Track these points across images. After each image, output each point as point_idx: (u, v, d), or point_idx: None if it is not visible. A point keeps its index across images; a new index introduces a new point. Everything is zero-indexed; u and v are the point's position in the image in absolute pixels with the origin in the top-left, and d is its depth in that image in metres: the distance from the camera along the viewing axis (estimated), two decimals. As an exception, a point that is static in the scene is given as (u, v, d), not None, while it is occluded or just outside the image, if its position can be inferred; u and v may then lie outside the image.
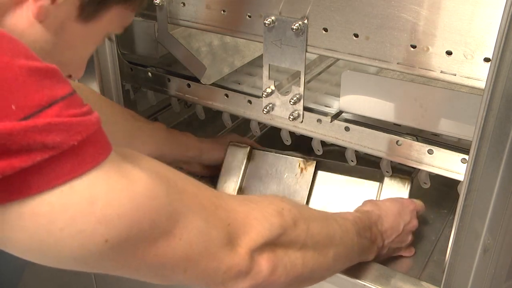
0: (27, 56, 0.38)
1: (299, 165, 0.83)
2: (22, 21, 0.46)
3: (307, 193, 0.81)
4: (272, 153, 0.85)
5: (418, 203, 0.75)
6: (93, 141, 0.40)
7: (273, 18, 0.65)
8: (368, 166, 0.97)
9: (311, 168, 0.82)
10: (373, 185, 0.80)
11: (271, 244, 0.51)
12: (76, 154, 0.38)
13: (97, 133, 0.40)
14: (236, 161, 0.85)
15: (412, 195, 0.86)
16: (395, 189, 0.77)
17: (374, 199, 0.76)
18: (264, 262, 0.50)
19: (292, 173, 0.83)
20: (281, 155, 0.84)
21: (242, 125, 1.02)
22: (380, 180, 0.79)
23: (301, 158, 0.83)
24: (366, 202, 0.72)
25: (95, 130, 0.40)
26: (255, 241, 0.49)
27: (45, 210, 0.37)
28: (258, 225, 0.50)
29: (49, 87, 0.38)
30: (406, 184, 0.77)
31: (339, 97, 0.71)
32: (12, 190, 0.36)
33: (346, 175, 0.82)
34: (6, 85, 0.36)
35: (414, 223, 0.71)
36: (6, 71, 0.37)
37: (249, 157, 0.85)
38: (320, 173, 0.83)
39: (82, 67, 0.57)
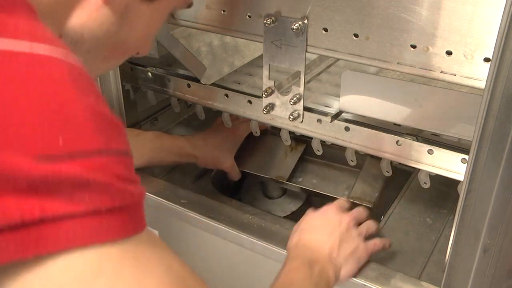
0: (97, 99, 0.36)
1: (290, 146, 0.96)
2: (90, 5, 0.45)
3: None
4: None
5: (339, 201, 0.74)
6: (136, 211, 0.36)
7: (273, 18, 0.65)
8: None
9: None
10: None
11: None
12: (101, 220, 0.34)
13: (136, 208, 0.37)
14: None
15: (412, 195, 0.86)
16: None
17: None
18: None
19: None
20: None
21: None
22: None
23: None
24: (291, 237, 0.70)
25: (136, 204, 0.36)
26: None
27: (49, 274, 0.33)
28: None
29: (106, 136, 0.35)
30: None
31: (339, 97, 0.71)
32: (24, 244, 0.32)
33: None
34: (62, 116, 0.33)
35: (347, 219, 0.69)
36: (70, 103, 0.34)
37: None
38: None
39: (149, 44, 0.56)
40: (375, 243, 0.70)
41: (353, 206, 0.84)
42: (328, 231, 0.68)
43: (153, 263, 0.37)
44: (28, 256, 0.32)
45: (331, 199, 0.86)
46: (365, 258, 0.68)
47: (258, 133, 0.87)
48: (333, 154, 0.95)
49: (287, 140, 0.83)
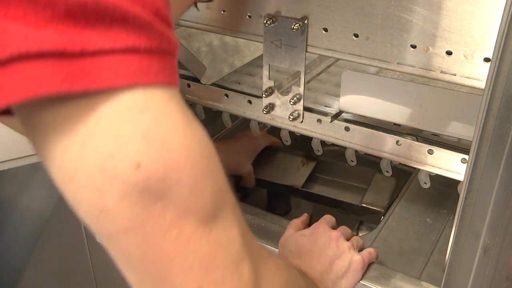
0: None
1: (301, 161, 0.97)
2: None
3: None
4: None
5: (326, 218, 0.73)
6: (171, 62, 0.35)
7: (273, 18, 0.65)
8: (368, 166, 0.98)
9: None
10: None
11: None
12: (142, 61, 0.33)
13: (173, 59, 0.35)
14: None
15: (412, 195, 0.86)
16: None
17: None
18: None
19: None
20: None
21: (242, 125, 1.02)
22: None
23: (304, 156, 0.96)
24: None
25: (172, 53, 0.35)
26: None
27: (96, 109, 0.32)
28: (278, 274, 0.45)
29: None
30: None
31: (339, 97, 0.71)
32: (70, 75, 0.31)
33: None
34: None
35: (335, 235, 0.68)
36: None
37: None
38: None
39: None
40: (370, 252, 0.69)
41: (364, 211, 0.86)
42: (317, 253, 0.66)
43: (193, 120, 0.36)
44: (75, 89, 0.31)
45: (346, 207, 0.88)
46: (362, 270, 0.67)
47: (258, 133, 0.87)
48: (343, 171, 0.96)
49: (287, 140, 0.83)
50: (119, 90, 0.32)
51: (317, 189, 0.95)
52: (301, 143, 0.95)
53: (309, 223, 0.74)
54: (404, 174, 0.90)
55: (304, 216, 0.74)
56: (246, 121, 0.88)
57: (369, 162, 0.97)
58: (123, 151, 0.32)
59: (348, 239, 0.70)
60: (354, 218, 0.88)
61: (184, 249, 0.35)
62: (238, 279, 0.38)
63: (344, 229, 0.72)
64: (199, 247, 0.36)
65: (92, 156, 0.32)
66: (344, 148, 0.75)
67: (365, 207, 0.85)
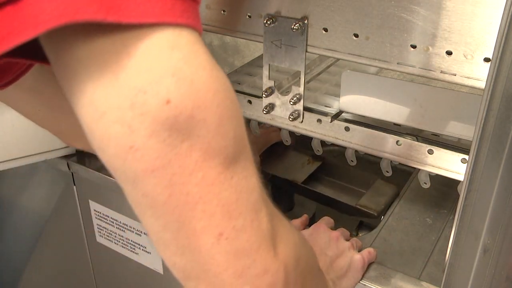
0: None
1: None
2: None
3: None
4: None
5: (325, 219, 0.73)
6: (194, 7, 0.36)
7: (273, 18, 0.65)
8: (368, 166, 0.98)
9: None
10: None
11: (300, 267, 0.44)
12: (176, 3, 0.34)
13: (196, 6, 0.36)
14: None
15: (412, 195, 0.87)
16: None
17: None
18: None
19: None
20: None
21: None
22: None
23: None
24: None
25: (198, 1, 0.36)
26: (292, 256, 0.42)
27: (127, 42, 0.33)
28: (293, 233, 0.45)
29: None
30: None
31: (339, 97, 0.71)
32: (103, 6, 0.31)
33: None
34: None
35: (335, 235, 0.68)
36: None
37: None
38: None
39: None
40: (369, 251, 0.69)
41: (358, 213, 0.86)
42: (317, 253, 0.64)
43: (217, 64, 0.37)
44: (109, 20, 0.31)
45: (341, 207, 0.89)
46: (362, 269, 0.67)
47: (258, 133, 0.87)
48: (347, 173, 0.97)
49: (287, 140, 0.83)
50: (149, 28, 0.33)
51: (318, 188, 0.95)
52: (301, 143, 0.95)
53: (310, 223, 0.74)
54: (404, 174, 0.91)
55: (304, 217, 0.74)
56: (246, 121, 0.88)
57: (369, 162, 0.98)
58: (154, 86, 0.33)
59: (347, 240, 0.70)
60: (354, 219, 0.88)
61: (208, 193, 0.36)
62: (257, 228, 0.39)
63: (342, 230, 0.72)
64: (222, 192, 0.37)
65: (124, 91, 0.33)
66: (344, 148, 0.75)
67: (359, 208, 0.85)
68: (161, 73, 0.33)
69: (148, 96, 0.33)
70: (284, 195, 0.99)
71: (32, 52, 0.37)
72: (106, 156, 0.35)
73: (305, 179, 0.94)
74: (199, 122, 0.35)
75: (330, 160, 0.97)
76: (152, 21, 0.33)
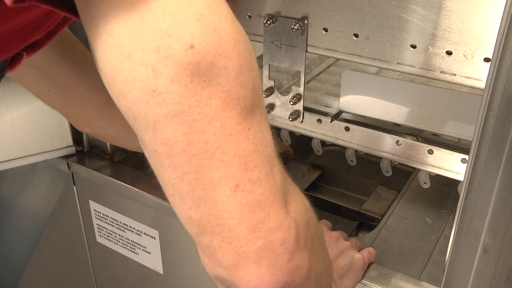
0: None
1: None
2: None
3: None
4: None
5: (323, 221, 0.74)
6: None
7: (273, 18, 0.65)
8: (368, 166, 0.98)
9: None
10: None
11: (309, 232, 0.44)
12: None
13: None
14: None
15: (412, 195, 0.87)
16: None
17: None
18: (306, 256, 0.42)
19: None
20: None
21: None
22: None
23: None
24: None
25: None
26: (302, 217, 0.42)
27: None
28: (302, 197, 0.45)
29: None
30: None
31: (339, 97, 0.71)
32: None
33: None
34: None
35: (335, 235, 0.68)
36: None
37: None
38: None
39: None
40: (369, 251, 0.69)
41: (363, 218, 0.86)
42: None
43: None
44: None
45: (345, 212, 0.89)
46: (363, 269, 0.67)
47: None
48: (347, 182, 0.97)
49: (287, 140, 0.83)
50: None
51: (319, 196, 0.95)
52: (302, 143, 0.95)
53: None
54: (404, 174, 0.91)
55: None
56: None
57: (369, 162, 0.98)
58: (179, 30, 0.34)
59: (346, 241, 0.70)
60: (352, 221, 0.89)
61: (225, 142, 0.37)
62: (271, 182, 0.39)
63: (341, 232, 0.72)
64: (239, 142, 0.37)
65: (150, 33, 0.34)
66: (344, 148, 0.75)
67: (363, 213, 0.86)
68: (186, 18, 0.34)
69: (173, 40, 0.34)
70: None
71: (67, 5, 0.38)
72: (129, 100, 0.36)
73: (305, 188, 0.94)
74: (220, 69, 0.35)
75: (330, 169, 0.97)
76: None
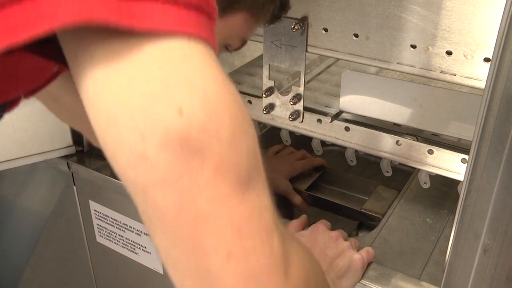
0: None
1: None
2: None
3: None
4: None
5: (322, 221, 0.73)
6: (209, 23, 0.36)
7: (273, 18, 0.65)
8: (368, 166, 0.98)
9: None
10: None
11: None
12: (189, 14, 0.34)
13: (212, 21, 0.36)
14: None
15: (412, 195, 0.87)
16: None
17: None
18: None
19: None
20: None
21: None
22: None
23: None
24: None
25: (211, 14, 0.36)
26: (302, 278, 0.41)
27: (142, 48, 0.33)
28: (303, 255, 0.44)
29: None
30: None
31: (339, 97, 0.71)
32: (118, 9, 0.32)
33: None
34: None
35: (334, 235, 0.68)
36: None
37: None
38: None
39: None
40: (368, 251, 0.69)
41: (364, 217, 0.86)
42: (316, 253, 0.66)
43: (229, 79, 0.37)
44: (123, 23, 0.32)
45: (346, 212, 0.89)
46: (362, 269, 0.67)
47: (258, 133, 0.87)
48: (347, 182, 0.97)
49: (287, 140, 0.83)
50: (165, 35, 0.33)
51: (320, 195, 0.95)
52: (302, 143, 0.95)
53: (307, 226, 0.74)
54: (404, 174, 0.91)
55: (303, 218, 0.74)
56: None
57: (369, 162, 0.98)
58: (167, 94, 0.33)
59: (345, 241, 0.70)
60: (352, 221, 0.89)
61: (219, 210, 0.35)
62: (268, 251, 0.38)
63: (341, 231, 0.72)
64: (233, 210, 0.36)
65: (137, 97, 0.33)
66: (344, 148, 0.75)
67: (364, 212, 0.86)
68: (174, 82, 0.33)
69: (160, 104, 0.33)
70: (285, 204, 0.98)
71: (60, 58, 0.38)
72: (118, 164, 0.35)
73: (306, 188, 0.94)
74: (212, 134, 0.34)
75: (331, 169, 0.97)
76: (167, 29, 0.33)
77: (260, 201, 0.38)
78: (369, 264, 0.69)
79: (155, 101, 0.33)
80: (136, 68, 0.33)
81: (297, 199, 0.92)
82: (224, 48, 0.59)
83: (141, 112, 0.33)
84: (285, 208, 0.98)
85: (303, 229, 0.72)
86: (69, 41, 0.35)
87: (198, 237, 0.36)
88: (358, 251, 0.69)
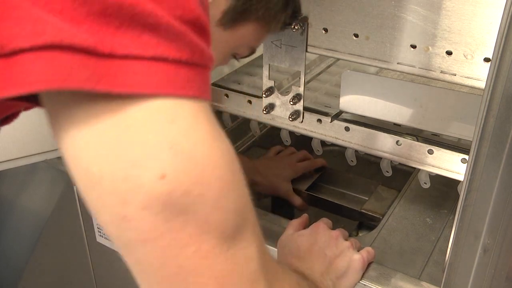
0: None
1: None
2: None
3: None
4: None
5: (323, 220, 0.73)
6: (203, 75, 0.34)
7: (273, 18, 0.65)
8: (368, 166, 0.98)
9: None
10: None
11: None
12: (169, 70, 0.32)
13: (205, 72, 0.35)
14: None
15: (412, 195, 0.87)
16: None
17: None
18: None
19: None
20: None
21: (242, 125, 1.02)
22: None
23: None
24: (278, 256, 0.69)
25: (204, 66, 0.35)
26: None
27: (123, 113, 0.32)
28: None
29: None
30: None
31: (339, 97, 0.71)
32: (96, 74, 0.30)
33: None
34: None
35: (334, 235, 0.68)
36: None
37: None
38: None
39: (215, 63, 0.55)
40: (368, 251, 0.69)
41: (364, 217, 0.86)
42: (316, 253, 0.66)
43: (221, 134, 0.36)
44: (98, 88, 0.31)
45: (346, 212, 0.89)
46: (362, 268, 0.67)
47: (258, 133, 0.87)
48: (347, 182, 0.97)
49: (287, 140, 0.83)
50: (149, 98, 0.32)
51: (320, 195, 0.95)
52: (302, 143, 0.95)
53: (307, 226, 0.74)
54: (404, 174, 0.91)
55: (304, 217, 0.74)
56: (246, 121, 0.88)
57: (369, 162, 0.98)
58: (149, 160, 0.32)
59: (346, 240, 0.70)
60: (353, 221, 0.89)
61: (200, 266, 0.35)
62: None
63: (342, 230, 0.72)
64: (216, 265, 0.36)
65: (118, 163, 0.32)
66: (344, 148, 0.75)
67: (364, 213, 0.86)
68: (157, 147, 0.32)
69: (142, 170, 0.32)
70: (285, 204, 0.98)
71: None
72: (101, 222, 0.35)
73: (306, 188, 0.94)
74: (196, 197, 0.33)
75: (331, 169, 0.97)
76: (148, 92, 0.32)
77: (246, 252, 0.37)
78: (369, 264, 0.69)
79: (136, 166, 0.32)
80: (117, 131, 0.32)
81: (297, 201, 0.92)
82: (231, 56, 0.59)
83: (123, 177, 0.32)
84: (285, 208, 0.98)
85: (304, 228, 0.72)
86: (49, 98, 0.34)
87: None
88: (358, 251, 0.69)
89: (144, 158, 0.32)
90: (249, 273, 0.38)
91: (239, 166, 0.37)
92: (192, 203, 0.33)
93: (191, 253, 0.35)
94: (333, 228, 0.72)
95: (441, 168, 0.65)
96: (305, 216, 0.75)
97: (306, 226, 0.73)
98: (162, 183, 0.32)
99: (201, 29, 0.34)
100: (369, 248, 0.69)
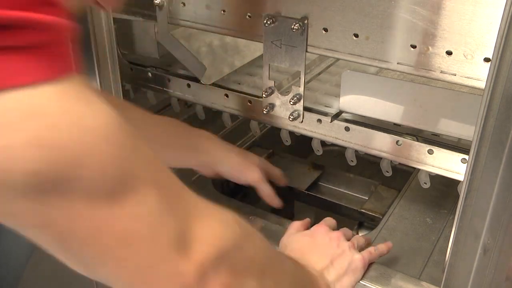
0: None
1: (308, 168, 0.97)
2: None
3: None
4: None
5: (326, 220, 0.73)
6: (57, 50, 0.32)
7: (273, 18, 0.65)
8: (368, 166, 0.98)
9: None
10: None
11: (228, 260, 0.43)
12: (30, 57, 0.31)
13: (65, 43, 0.33)
14: None
15: (412, 195, 0.87)
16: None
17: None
18: (216, 286, 0.42)
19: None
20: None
21: (242, 125, 1.02)
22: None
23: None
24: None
25: (64, 38, 0.33)
26: (211, 252, 0.42)
27: None
28: (218, 228, 0.44)
29: None
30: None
31: (339, 97, 0.71)
32: None
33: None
34: None
35: (336, 235, 0.68)
36: None
37: None
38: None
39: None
40: (370, 252, 0.68)
41: (364, 217, 0.86)
42: (318, 252, 0.66)
43: (99, 103, 0.34)
44: None
45: (346, 212, 0.88)
46: (363, 268, 0.67)
47: (258, 133, 0.87)
48: (347, 182, 0.97)
49: (287, 140, 0.83)
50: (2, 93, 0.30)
51: (320, 195, 0.95)
52: (302, 143, 0.95)
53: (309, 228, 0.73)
54: (404, 174, 0.91)
55: (306, 220, 0.74)
56: (246, 121, 0.88)
57: (369, 162, 0.98)
58: (16, 163, 0.31)
59: (348, 240, 0.70)
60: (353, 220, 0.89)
61: (98, 230, 0.37)
62: (159, 243, 0.39)
63: (345, 230, 0.72)
64: (114, 225, 0.37)
65: None
66: (344, 148, 0.75)
67: (364, 212, 0.86)
68: (21, 146, 0.31)
69: (12, 174, 0.31)
70: (285, 203, 0.98)
71: None
72: None
73: (306, 188, 0.94)
74: (70, 180, 0.33)
75: (331, 169, 0.97)
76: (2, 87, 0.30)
77: (143, 206, 0.38)
78: (369, 264, 0.69)
79: (6, 172, 0.31)
80: None
81: (267, 192, 0.81)
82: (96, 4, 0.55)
83: None
84: (288, 209, 0.98)
85: (306, 229, 0.72)
86: None
87: (89, 255, 0.40)
88: (367, 246, 0.70)
89: (10, 162, 0.31)
90: (150, 224, 0.38)
91: (122, 133, 0.36)
92: (69, 185, 0.33)
93: (87, 223, 0.36)
94: (335, 228, 0.72)
95: (441, 168, 0.65)
96: (307, 219, 0.75)
97: (308, 227, 0.73)
98: (35, 179, 0.32)
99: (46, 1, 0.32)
100: (371, 249, 0.69)
